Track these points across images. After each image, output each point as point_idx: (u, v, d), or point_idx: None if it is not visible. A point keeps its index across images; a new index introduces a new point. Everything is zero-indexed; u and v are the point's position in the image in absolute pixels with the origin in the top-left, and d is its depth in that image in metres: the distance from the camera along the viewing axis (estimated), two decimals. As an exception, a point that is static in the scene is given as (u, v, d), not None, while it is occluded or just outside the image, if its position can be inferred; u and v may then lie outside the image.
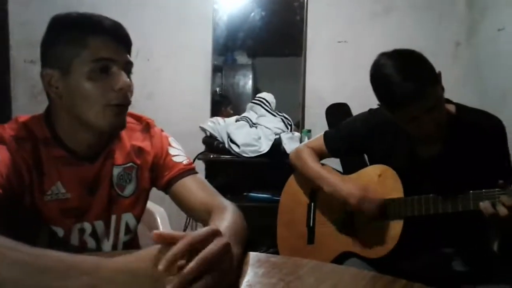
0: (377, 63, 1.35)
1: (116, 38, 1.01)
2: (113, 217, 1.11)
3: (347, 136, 1.61)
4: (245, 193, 2.44)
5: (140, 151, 1.15)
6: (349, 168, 1.70)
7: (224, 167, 2.56)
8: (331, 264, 1.10)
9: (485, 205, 1.19)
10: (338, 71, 2.80)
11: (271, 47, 2.95)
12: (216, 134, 2.52)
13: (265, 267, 0.86)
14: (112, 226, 1.10)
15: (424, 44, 2.50)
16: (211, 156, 2.48)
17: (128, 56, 1.04)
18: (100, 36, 0.99)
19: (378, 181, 1.48)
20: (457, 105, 1.44)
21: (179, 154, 1.18)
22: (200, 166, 2.45)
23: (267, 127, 2.50)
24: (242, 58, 2.97)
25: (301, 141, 2.50)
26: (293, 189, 1.73)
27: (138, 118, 1.19)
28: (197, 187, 1.13)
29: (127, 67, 1.03)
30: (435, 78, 1.29)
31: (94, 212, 1.07)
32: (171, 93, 2.83)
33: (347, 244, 1.53)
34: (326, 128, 2.32)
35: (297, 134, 2.59)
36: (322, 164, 1.65)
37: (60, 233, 1.02)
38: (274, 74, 2.98)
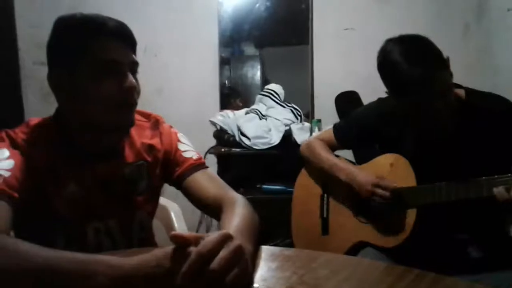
0: (383, 50, 1.33)
1: (121, 38, 1.01)
2: (127, 215, 1.12)
3: (357, 126, 1.61)
4: (258, 185, 2.44)
5: (150, 148, 1.16)
6: (361, 158, 1.70)
7: (236, 160, 2.56)
8: (344, 256, 1.11)
9: (498, 191, 1.18)
10: (346, 59, 2.78)
11: (278, 37, 2.93)
12: (226, 128, 2.52)
13: (278, 260, 0.86)
14: (126, 224, 1.12)
15: (432, 27, 2.49)
16: (222, 149, 2.49)
17: (134, 55, 1.04)
18: (105, 37, 0.99)
19: (390, 170, 1.48)
20: (467, 89, 1.42)
21: (188, 149, 1.19)
22: (211, 160, 2.46)
23: (277, 119, 2.49)
24: (249, 49, 2.96)
25: (311, 131, 2.49)
26: (306, 181, 1.74)
27: (147, 116, 1.20)
28: (208, 182, 1.14)
29: (133, 66, 1.04)
30: (442, 62, 1.28)
31: (108, 211, 1.08)
32: (180, 87, 2.84)
33: (361, 234, 1.53)
34: (336, 117, 2.32)
35: (307, 124, 2.58)
36: (335, 155, 1.65)
37: (76, 234, 1.04)
38: (282, 64, 2.97)
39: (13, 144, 0.99)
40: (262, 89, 2.78)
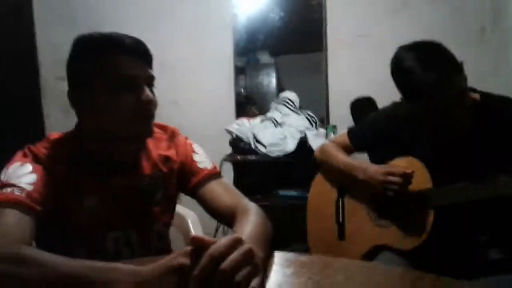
0: (396, 56, 1.34)
1: (137, 54, 1.04)
2: (145, 226, 1.14)
3: (371, 130, 1.61)
4: (274, 192, 2.45)
5: (166, 159, 1.18)
6: (376, 162, 1.70)
7: (252, 167, 2.58)
8: (359, 261, 1.11)
9: None
10: (360, 66, 2.78)
11: (292, 45, 2.96)
12: (242, 136, 2.54)
13: (294, 266, 0.88)
14: (145, 234, 1.14)
15: (447, 32, 2.48)
16: (238, 157, 2.51)
17: (150, 70, 1.07)
18: (122, 54, 1.02)
19: None
20: (482, 93, 1.42)
21: (203, 160, 1.21)
22: (228, 167, 2.48)
23: (292, 126, 2.51)
24: (264, 58, 2.98)
25: (326, 138, 2.49)
26: (321, 187, 1.74)
27: (164, 128, 1.23)
28: (222, 191, 1.16)
29: (150, 81, 1.07)
30: (457, 67, 1.28)
31: (127, 222, 1.11)
32: (196, 98, 2.88)
33: (378, 237, 1.52)
34: (351, 123, 2.32)
35: (322, 130, 2.59)
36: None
37: (95, 245, 1.06)
38: (297, 71, 2.99)
39: (36, 159, 1.02)
40: (277, 96, 2.79)
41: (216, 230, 2.41)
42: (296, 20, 2.89)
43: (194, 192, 1.18)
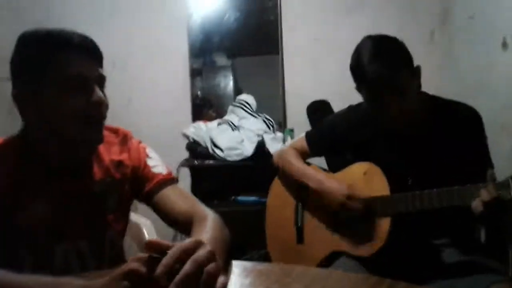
0: (358, 44, 1.39)
1: (87, 52, 1.00)
2: (97, 235, 1.09)
3: (328, 134, 1.62)
4: (232, 197, 2.43)
5: (118, 164, 1.14)
6: (334, 166, 1.71)
7: (210, 172, 2.55)
8: (317, 269, 1.11)
9: (475, 204, 1.18)
10: (316, 68, 2.81)
11: (249, 47, 2.96)
12: (199, 140, 2.51)
13: (252, 276, 0.86)
14: (97, 244, 1.09)
15: (399, 35, 2.53)
16: (196, 162, 2.47)
17: (100, 69, 1.03)
18: (70, 52, 0.97)
19: (363, 178, 1.48)
20: (434, 97, 1.46)
21: (157, 164, 1.17)
22: (185, 172, 2.44)
23: (249, 129, 2.49)
24: (221, 60, 2.96)
25: (284, 141, 2.50)
26: (279, 190, 1.73)
27: (115, 131, 1.18)
28: (178, 197, 1.13)
29: (100, 81, 1.02)
30: (406, 63, 1.34)
31: (77, 230, 1.06)
32: (150, 100, 2.82)
33: (336, 243, 1.53)
34: (308, 126, 2.33)
35: (280, 134, 2.59)
36: (307, 164, 1.66)
37: (43, 255, 1.01)
38: (254, 74, 2.98)
39: None
40: (234, 99, 2.78)
41: (173, 239, 2.35)
42: (252, 21, 2.89)
43: (149, 198, 1.14)
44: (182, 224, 1.07)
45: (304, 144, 1.67)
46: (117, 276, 0.64)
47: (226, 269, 0.83)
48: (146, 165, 1.16)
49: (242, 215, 2.20)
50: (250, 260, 1.05)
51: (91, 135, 1.02)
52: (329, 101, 2.54)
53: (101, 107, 1.00)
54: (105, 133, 1.08)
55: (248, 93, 2.76)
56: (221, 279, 0.67)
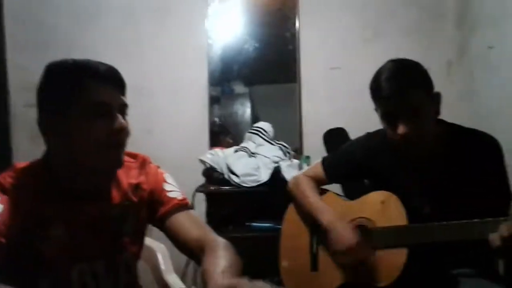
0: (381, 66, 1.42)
1: (111, 82, 1.04)
2: (113, 257, 1.11)
3: (345, 161, 1.62)
4: (247, 223, 2.42)
5: (136, 188, 1.16)
6: (351, 192, 1.70)
7: (225, 198, 2.55)
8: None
9: (493, 238, 1.17)
10: (333, 97, 2.83)
11: (267, 76, 2.99)
12: (215, 166, 2.52)
13: (265, 301, 0.86)
14: (113, 266, 1.10)
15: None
16: (211, 188, 2.48)
17: (123, 98, 1.06)
18: (95, 81, 1.01)
19: (381, 208, 1.47)
20: (453, 125, 1.45)
21: (173, 189, 1.19)
22: (200, 198, 2.45)
23: (266, 156, 2.50)
24: (239, 88, 3.00)
25: (300, 168, 2.50)
26: (294, 217, 1.72)
27: (134, 156, 1.21)
28: (190, 223, 1.14)
29: (123, 108, 1.06)
30: (423, 84, 1.36)
31: (94, 252, 1.08)
32: (170, 127, 2.86)
33: (351, 273, 1.50)
34: (324, 153, 2.33)
35: (296, 161, 2.59)
36: (324, 190, 1.65)
37: (60, 277, 1.02)
38: (271, 101, 3.00)
39: (1, 189, 0.99)
40: (251, 126, 2.80)
41: (187, 264, 2.35)
42: (270, 51, 2.93)
43: (162, 222, 1.16)
44: (193, 251, 1.08)
45: (320, 170, 1.67)
46: None
47: None
48: (162, 189, 1.18)
49: (257, 241, 2.19)
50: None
51: (111, 160, 1.04)
52: (346, 129, 2.55)
53: (123, 133, 1.04)
54: (125, 158, 1.11)
55: (265, 120, 2.79)
56: None
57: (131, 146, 1.11)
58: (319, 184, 1.67)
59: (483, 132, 1.43)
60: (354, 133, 2.09)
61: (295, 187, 1.69)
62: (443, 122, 1.45)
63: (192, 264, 2.38)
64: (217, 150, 2.63)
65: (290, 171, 2.39)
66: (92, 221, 1.07)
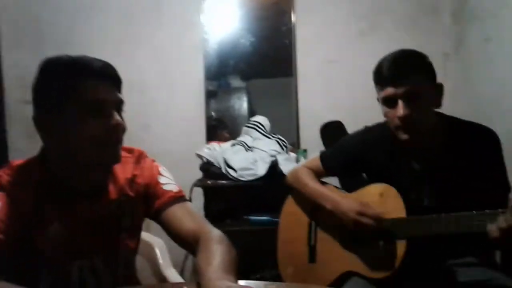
0: None
1: (107, 78, 1.03)
2: (112, 252, 1.11)
3: (343, 154, 1.62)
4: (244, 217, 2.43)
5: (132, 182, 1.16)
6: (348, 186, 1.71)
7: (222, 192, 2.56)
8: (329, 288, 1.09)
9: (491, 228, 1.17)
10: (330, 90, 2.83)
11: (263, 70, 2.99)
12: (212, 160, 2.52)
13: (263, 295, 0.87)
14: (112, 261, 1.11)
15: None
16: (209, 182, 2.49)
17: (119, 94, 1.06)
18: (91, 78, 1.01)
19: (379, 200, 1.47)
20: (451, 117, 1.46)
21: (168, 182, 1.19)
22: (198, 192, 2.45)
23: (263, 150, 2.51)
24: (235, 82, 3.00)
25: (297, 162, 2.50)
26: (293, 208, 1.73)
27: (131, 150, 1.21)
28: (186, 215, 1.14)
29: (118, 105, 1.05)
30: (425, 71, 1.36)
31: (93, 248, 1.08)
32: (166, 122, 2.86)
33: (349, 264, 1.51)
34: (321, 147, 2.34)
35: (293, 154, 2.60)
36: (323, 183, 1.65)
37: (60, 273, 1.03)
38: (268, 95, 3.01)
39: None
40: (248, 120, 2.80)
41: (185, 259, 2.36)
42: (266, 45, 2.94)
43: (158, 215, 1.16)
44: (188, 243, 1.09)
45: (318, 163, 1.67)
46: None
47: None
48: (157, 183, 1.18)
49: (254, 235, 2.21)
50: (262, 280, 1.05)
51: (107, 158, 1.05)
52: (343, 122, 2.56)
53: (119, 130, 1.03)
54: (121, 153, 1.11)
55: (261, 114, 2.79)
56: None
57: (128, 141, 1.11)
58: (318, 176, 1.67)
59: (481, 124, 1.43)
60: (351, 126, 2.10)
61: (295, 178, 1.70)
62: (441, 114, 1.45)
63: (190, 258, 2.39)
64: (214, 144, 2.63)
65: (287, 164, 2.39)
66: (89, 217, 1.08)
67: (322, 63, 2.84)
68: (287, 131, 2.81)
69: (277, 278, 1.74)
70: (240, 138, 2.67)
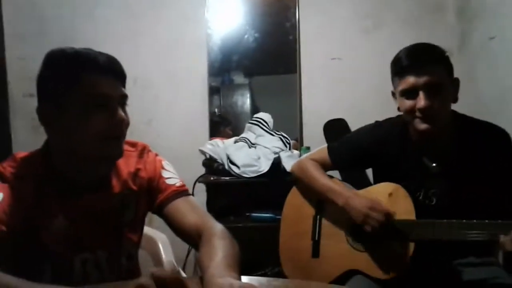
0: None
1: (111, 73, 1.03)
2: (115, 246, 1.11)
3: (353, 148, 1.59)
4: (247, 214, 2.43)
5: (135, 176, 1.16)
6: (350, 182, 1.69)
7: (225, 188, 2.55)
8: (332, 285, 1.09)
9: (504, 241, 1.16)
10: (333, 88, 2.82)
11: (267, 66, 2.98)
12: (215, 156, 2.52)
13: (266, 291, 0.86)
14: (114, 254, 1.11)
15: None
16: (212, 178, 2.49)
17: (123, 89, 1.06)
18: (95, 72, 1.01)
19: (388, 200, 1.45)
20: (464, 116, 1.44)
21: (172, 176, 1.19)
22: (201, 188, 2.45)
23: (266, 147, 2.50)
24: (239, 78, 2.99)
25: (300, 159, 2.50)
26: (297, 201, 1.69)
27: (134, 144, 1.21)
28: (188, 209, 1.14)
29: (122, 100, 1.05)
30: (443, 64, 1.36)
31: (96, 242, 1.08)
32: (170, 118, 2.86)
33: (354, 261, 1.49)
34: (324, 144, 2.33)
35: (296, 152, 2.60)
36: (330, 177, 1.62)
37: (63, 266, 1.03)
38: (271, 92, 3.00)
39: (2, 178, 0.99)
40: (251, 117, 2.80)
41: (188, 253, 2.36)
42: (270, 41, 2.92)
43: (160, 209, 1.16)
44: (191, 237, 1.09)
45: (325, 156, 1.64)
46: None
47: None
48: (160, 177, 1.18)
49: (257, 231, 2.21)
50: (264, 276, 1.05)
51: (111, 150, 1.04)
52: (346, 119, 2.55)
53: (122, 125, 1.04)
54: (124, 146, 1.11)
55: (265, 111, 2.79)
56: None
57: (131, 136, 1.11)
58: (323, 169, 1.64)
59: (494, 124, 1.41)
60: (354, 124, 2.10)
61: (301, 170, 1.66)
62: (455, 112, 1.43)
63: (193, 253, 2.39)
64: (217, 141, 2.63)
65: (290, 161, 2.38)
66: (93, 210, 1.08)
67: (326, 60, 2.83)
68: (290, 128, 2.80)
69: (279, 275, 1.73)
70: (243, 135, 2.68)
